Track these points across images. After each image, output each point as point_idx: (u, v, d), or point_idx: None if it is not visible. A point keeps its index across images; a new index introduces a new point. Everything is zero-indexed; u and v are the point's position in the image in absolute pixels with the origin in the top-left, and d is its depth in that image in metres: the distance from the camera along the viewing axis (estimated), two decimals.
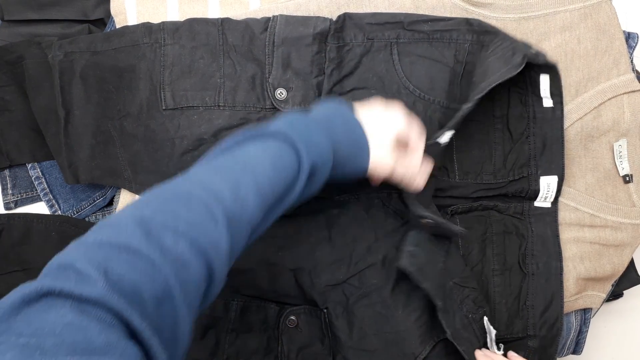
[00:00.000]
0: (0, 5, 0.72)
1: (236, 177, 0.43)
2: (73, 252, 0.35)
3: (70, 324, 0.30)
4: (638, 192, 0.70)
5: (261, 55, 0.63)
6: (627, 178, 0.70)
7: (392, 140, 0.54)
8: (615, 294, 0.78)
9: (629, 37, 0.69)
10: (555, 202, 0.67)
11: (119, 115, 0.66)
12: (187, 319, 0.37)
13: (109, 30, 0.71)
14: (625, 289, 0.78)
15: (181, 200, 0.40)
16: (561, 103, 0.64)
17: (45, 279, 0.33)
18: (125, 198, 0.70)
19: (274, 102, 0.63)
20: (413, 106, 0.63)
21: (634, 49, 0.70)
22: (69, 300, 0.31)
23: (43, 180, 0.74)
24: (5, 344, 0.28)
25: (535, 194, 0.65)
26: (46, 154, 0.73)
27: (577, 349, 0.75)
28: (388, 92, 0.63)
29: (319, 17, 0.64)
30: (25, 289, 0.31)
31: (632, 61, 0.69)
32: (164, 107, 0.64)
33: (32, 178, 0.74)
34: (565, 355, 0.74)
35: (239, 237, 0.43)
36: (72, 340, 0.29)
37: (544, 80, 0.63)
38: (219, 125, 0.63)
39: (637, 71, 0.71)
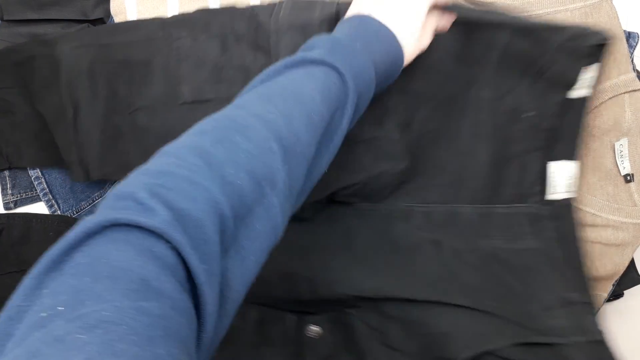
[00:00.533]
0: (0, 4, 0.72)
1: (288, 106, 0.41)
2: (133, 182, 0.33)
3: (127, 263, 0.28)
4: (639, 191, 0.70)
5: (267, 44, 0.62)
6: (628, 177, 0.70)
7: (421, 25, 0.52)
8: (615, 294, 0.78)
9: (629, 36, 0.69)
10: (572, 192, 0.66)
11: (129, 109, 0.65)
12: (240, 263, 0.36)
13: (115, 23, 0.70)
14: (625, 289, 0.77)
15: (239, 131, 0.38)
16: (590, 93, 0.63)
17: (105, 210, 0.31)
18: None
19: None
20: (445, 81, 0.61)
21: (634, 49, 0.70)
22: (130, 232, 0.29)
23: (42, 180, 0.74)
24: (61, 285, 0.27)
25: (552, 184, 0.65)
26: (45, 158, 0.72)
27: None
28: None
29: (324, 1, 0.62)
30: (89, 222, 0.29)
31: (632, 61, 0.69)
32: (181, 102, 0.63)
33: (32, 178, 0.74)
34: None
35: (297, 171, 0.41)
36: (127, 280, 0.27)
37: (593, 69, 0.61)
38: None
39: (637, 71, 0.71)
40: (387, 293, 0.61)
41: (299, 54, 0.46)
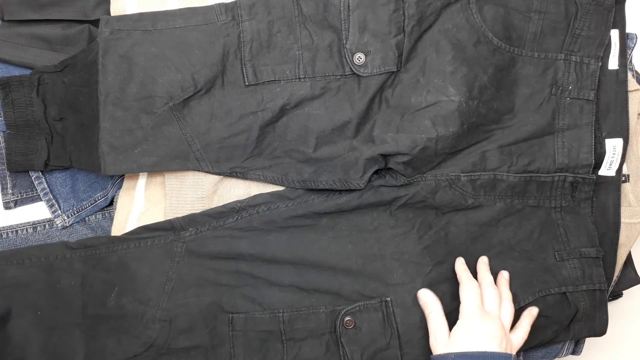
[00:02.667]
0: (0, 5, 0.72)
1: None
2: None
3: None
4: (634, 191, 0.71)
5: (336, 21, 0.64)
6: (623, 178, 0.70)
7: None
8: (614, 294, 0.78)
9: (627, 37, 0.70)
10: (619, 170, 0.68)
11: (183, 94, 0.64)
12: None
13: (161, 10, 0.67)
14: (624, 289, 0.78)
15: None
16: (625, 66, 0.66)
17: None
18: (123, 200, 0.70)
19: (352, 68, 0.63)
20: (493, 55, 0.64)
21: (632, 50, 0.70)
22: None
23: (43, 180, 0.74)
24: None
25: (600, 159, 0.67)
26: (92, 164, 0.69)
27: (576, 349, 0.75)
28: (467, 43, 0.63)
29: None
30: None
31: (630, 61, 0.70)
32: (246, 83, 0.64)
33: (32, 178, 0.74)
34: (564, 356, 0.74)
35: None
36: None
37: (614, 35, 0.65)
38: (302, 96, 0.64)
39: (636, 72, 0.71)
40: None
41: None
